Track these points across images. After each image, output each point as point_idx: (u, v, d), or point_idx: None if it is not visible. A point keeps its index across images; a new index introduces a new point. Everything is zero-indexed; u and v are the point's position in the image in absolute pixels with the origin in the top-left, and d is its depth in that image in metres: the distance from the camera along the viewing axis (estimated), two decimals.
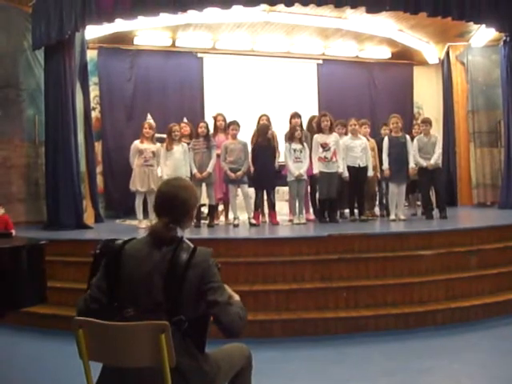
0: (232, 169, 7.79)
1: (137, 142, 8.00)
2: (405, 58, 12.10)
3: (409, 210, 9.34)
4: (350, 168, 7.98)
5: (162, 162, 7.79)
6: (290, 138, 7.96)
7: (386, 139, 8.13)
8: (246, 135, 8.27)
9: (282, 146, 8.33)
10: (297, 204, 8.02)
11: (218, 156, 7.91)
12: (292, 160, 7.87)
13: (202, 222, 8.02)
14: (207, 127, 7.93)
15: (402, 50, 11.73)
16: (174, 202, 2.44)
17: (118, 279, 2.35)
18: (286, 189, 8.59)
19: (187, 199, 2.47)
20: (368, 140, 8.49)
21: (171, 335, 2.15)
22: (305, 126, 8.52)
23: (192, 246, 2.40)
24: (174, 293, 2.26)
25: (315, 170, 7.86)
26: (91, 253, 2.58)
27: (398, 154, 7.94)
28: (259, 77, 11.46)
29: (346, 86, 11.70)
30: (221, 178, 8.18)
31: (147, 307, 2.28)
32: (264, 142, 7.93)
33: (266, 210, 8.33)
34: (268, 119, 8.50)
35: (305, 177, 7.91)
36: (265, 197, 8.12)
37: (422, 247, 6.11)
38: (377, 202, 9.02)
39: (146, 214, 7.91)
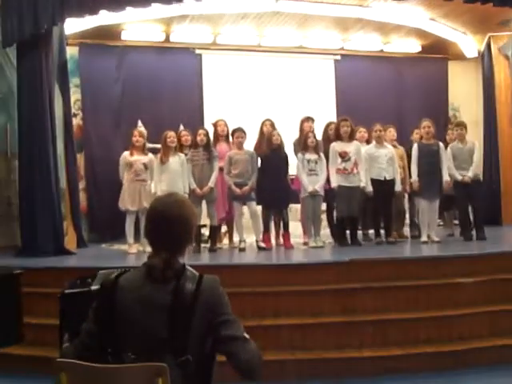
0: (237, 183, 7.82)
1: (126, 154, 8.08)
2: (437, 52, 12.14)
3: (444, 230, 9.34)
4: (374, 181, 7.99)
5: (156, 176, 7.84)
6: (304, 146, 8.01)
7: (415, 146, 8.12)
8: (251, 144, 8.39)
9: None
10: (312, 224, 8.04)
11: (221, 169, 7.96)
12: (305, 173, 7.91)
13: (203, 245, 8.01)
14: (207, 135, 7.97)
15: (434, 43, 11.76)
16: (170, 226, 2.40)
17: (114, 321, 2.34)
18: (298, 206, 8.64)
19: (186, 219, 2.43)
20: (395, 148, 8.54)
21: (174, 380, 2.16)
22: (320, 134, 8.55)
23: (197, 273, 2.40)
24: (181, 328, 2.26)
25: (333, 184, 7.87)
26: (57, 296, 2.59)
27: (430, 164, 7.94)
28: (267, 76, 11.54)
29: (369, 86, 11.72)
30: (224, 195, 8.20)
31: (149, 348, 2.28)
32: (274, 150, 7.98)
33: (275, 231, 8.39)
34: (272, 124, 8.55)
35: (321, 192, 7.95)
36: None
37: (460, 274, 6.09)
38: (406, 221, 9.03)
39: (137, 237, 7.89)
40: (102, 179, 10.05)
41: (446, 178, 7.92)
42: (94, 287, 2.59)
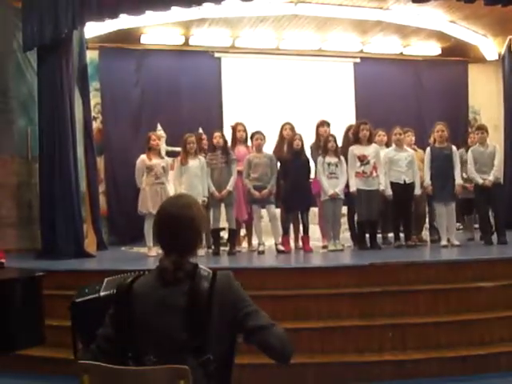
0: (256, 186, 7.85)
1: (144, 158, 8.04)
2: (458, 55, 12.10)
3: (464, 234, 9.28)
4: (393, 185, 7.99)
5: (176, 178, 7.87)
6: (324, 150, 8.02)
7: (427, 150, 8.11)
8: (270, 147, 8.41)
9: None
10: (332, 227, 8.05)
11: (240, 172, 8.01)
12: (326, 176, 7.92)
13: (222, 249, 8.04)
14: (223, 137, 8.02)
15: (455, 45, 11.73)
16: (180, 228, 2.41)
17: (132, 325, 2.34)
18: (316, 210, 8.68)
19: (195, 220, 2.44)
20: (415, 151, 8.52)
21: (197, 380, 2.17)
22: (340, 138, 8.52)
23: (210, 271, 2.41)
24: (199, 329, 2.27)
25: (352, 188, 7.88)
26: (68, 306, 2.60)
27: (441, 167, 7.92)
28: (286, 79, 11.56)
29: (388, 89, 11.74)
30: (243, 198, 8.24)
31: (170, 350, 2.28)
32: (295, 154, 7.99)
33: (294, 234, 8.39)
34: (292, 128, 8.54)
35: (341, 195, 7.95)
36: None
37: (481, 278, 6.03)
38: (426, 225, 8.99)
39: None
40: (122, 182, 10.10)
41: (458, 181, 7.90)
42: (103, 293, 2.60)
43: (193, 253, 2.45)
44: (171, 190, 8.00)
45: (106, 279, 2.67)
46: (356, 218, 8.21)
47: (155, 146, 8.08)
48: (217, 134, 8.02)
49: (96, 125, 10.15)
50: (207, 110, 10.95)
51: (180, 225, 2.41)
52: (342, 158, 8.00)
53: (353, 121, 10.05)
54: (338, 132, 8.58)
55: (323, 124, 8.46)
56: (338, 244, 7.97)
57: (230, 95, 11.33)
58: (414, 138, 8.85)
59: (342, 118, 10.10)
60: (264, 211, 8.08)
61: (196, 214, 2.46)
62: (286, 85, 11.51)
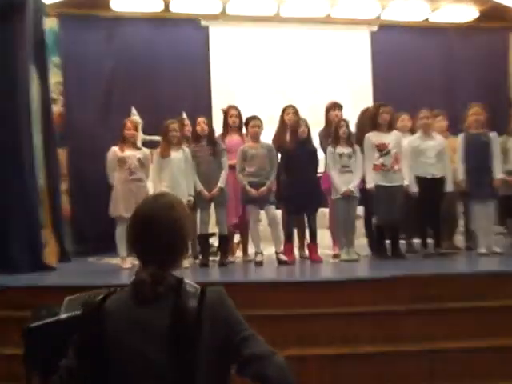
0: (253, 183, 7.79)
1: (115, 149, 7.99)
2: (498, 20, 12.03)
3: (507, 240, 9.24)
4: (419, 180, 7.97)
5: (155, 174, 7.83)
6: (334, 138, 7.97)
7: (460, 138, 8.11)
8: (269, 136, 8.42)
9: None
10: (345, 232, 7.99)
11: (233, 167, 7.98)
12: (337, 170, 7.89)
13: (211, 259, 8.02)
14: (209, 124, 8.04)
15: (494, 8, 11.65)
16: (159, 233, 2.40)
17: (101, 354, 2.31)
18: (326, 211, 8.67)
19: (179, 223, 2.43)
20: (447, 138, 8.47)
21: None
22: (354, 124, 8.51)
23: (198, 287, 2.41)
24: (185, 356, 2.24)
25: (369, 184, 7.84)
26: (23, 328, 2.59)
27: (478, 158, 7.93)
28: (287, 52, 11.55)
29: (413, 63, 11.68)
30: (237, 197, 8.18)
31: None
32: (300, 143, 7.98)
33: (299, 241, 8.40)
34: (296, 112, 8.53)
35: (356, 193, 7.91)
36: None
37: None
38: (460, 229, 8.99)
39: None
40: (89, 179, 9.99)
41: (498, 174, 7.89)
42: (64, 315, 2.59)
43: (176, 264, 2.45)
44: (150, 188, 7.99)
45: (67, 298, 2.66)
46: (374, 220, 8.16)
47: (128, 135, 8.03)
48: (200, 119, 8.04)
49: (57, 108, 10.05)
50: (192, 91, 10.95)
51: (160, 229, 2.40)
52: (357, 147, 7.96)
53: (370, 102, 10.03)
54: (352, 116, 8.56)
55: (334, 107, 8.46)
56: (352, 252, 7.90)
57: (220, 72, 11.29)
58: (446, 123, 8.83)
59: (357, 99, 10.14)
60: (262, 213, 8.03)
61: (180, 216, 2.45)
62: (287, 59, 11.46)
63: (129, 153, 7.96)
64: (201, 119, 8.02)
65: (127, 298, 2.37)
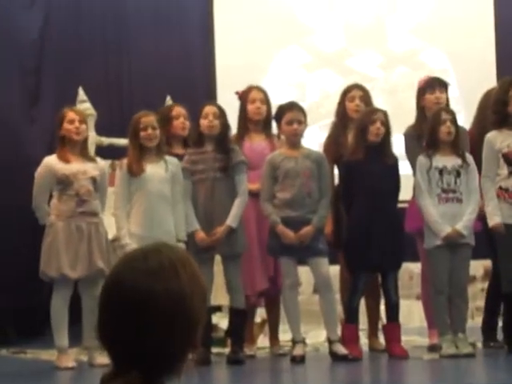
0: (289, 219, 6.05)
1: (51, 160, 6.24)
2: None
3: None
4: None
5: (119, 202, 6.17)
6: (431, 141, 6.16)
7: None
8: (315, 141, 7.13)
9: None
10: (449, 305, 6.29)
11: (255, 193, 6.30)
12: (435, 197, 6.18)
13: (215, 351, 6.38)
14: (222, 117, 6.23)
15: None
16: (148, 318, 1.49)
17: None
18: (414, 268, 7.37)
19: (186, 303, 1.50)
20: None
21: None
22: (463, 118, 7.30)
23: None
24: None
25: (492, 220, 6.04)
26: None
27: None
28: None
29: None
30: (261, 244, 6.42)
31: None
32: (373, 151, 6.23)
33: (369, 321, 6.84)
34: (365, 97, 6.71)
35: (470, 238, 6.06)
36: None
37: None
38: None
39: (77, 334, 6.23)
40: (6, 210, 8.04)
41: None
42: None
43: (174, 369, 1.54)
44: (109, 228, 6.40)
45: None
46: (503, 286, 6.35)
47: (75, 137, 6.15)
48: (208, 108, 6.27)
49: None
50: (185, 62, 8.93)
51: (154, 316, 1.52)
52: (470, 157, 6.17)
53: (492, 79, 7.93)
54: (463, 102, 7.57)
55: (433, 85, 6.50)
56: (463, 341, 5.99)
57: (229, 31, 9.20)
58: None
59: (470, 72, 8.22)
60: (304, 271, 6.53)
61: (189, 291, 1.53)
62: (340, 6, 9.24)
63: (76, 167, 6.14)
64: (209, 108, 6.26)
65: None
